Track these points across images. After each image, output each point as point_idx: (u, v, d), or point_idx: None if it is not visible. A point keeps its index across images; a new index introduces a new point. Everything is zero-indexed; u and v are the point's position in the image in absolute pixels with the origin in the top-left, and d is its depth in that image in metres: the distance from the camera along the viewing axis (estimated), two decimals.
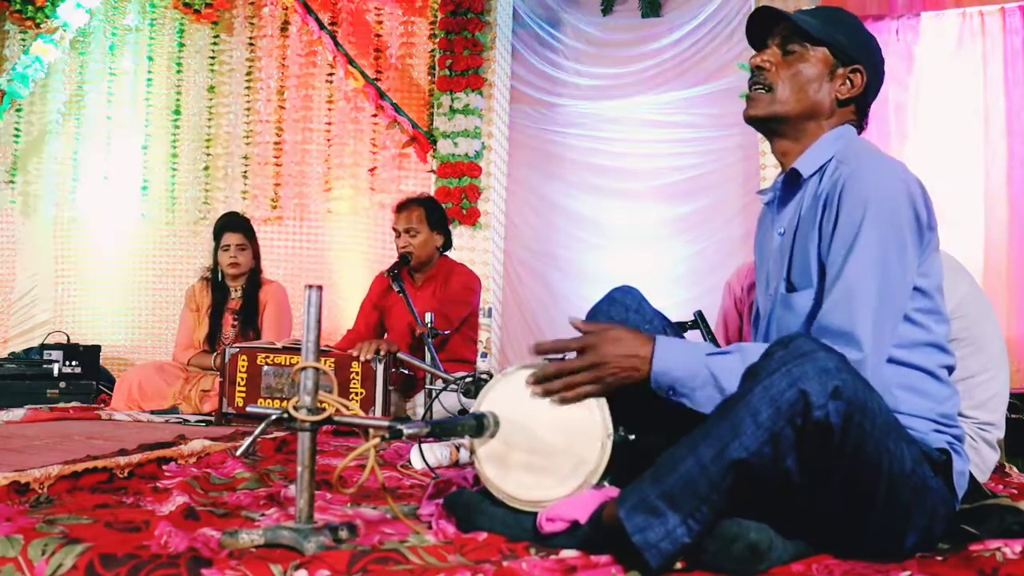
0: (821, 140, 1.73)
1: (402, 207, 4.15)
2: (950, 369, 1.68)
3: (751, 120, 1.79)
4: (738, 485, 1.37)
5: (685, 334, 3.23)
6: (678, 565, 1.39)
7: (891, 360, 1.59)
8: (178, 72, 6.57)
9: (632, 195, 6.26)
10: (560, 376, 1.58)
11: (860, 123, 1.79)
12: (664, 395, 1.56)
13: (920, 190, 1.60)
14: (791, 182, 1.76)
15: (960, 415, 1.70)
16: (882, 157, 1.66)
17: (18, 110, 6.43)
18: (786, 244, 1.73)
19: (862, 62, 1.74)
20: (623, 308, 1.86)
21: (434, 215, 4.15)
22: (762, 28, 1.79)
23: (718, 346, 3.26)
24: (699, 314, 3.36)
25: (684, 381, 1.54)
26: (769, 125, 1.77)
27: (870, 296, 1.54)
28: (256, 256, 4.60)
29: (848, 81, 1.73)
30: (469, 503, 1.64)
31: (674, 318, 2.34)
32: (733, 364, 1.52)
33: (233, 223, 4.59)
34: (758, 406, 1.36)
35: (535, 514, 1.54)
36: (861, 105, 1.77)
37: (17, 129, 6.56)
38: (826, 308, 1.57)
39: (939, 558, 1.48)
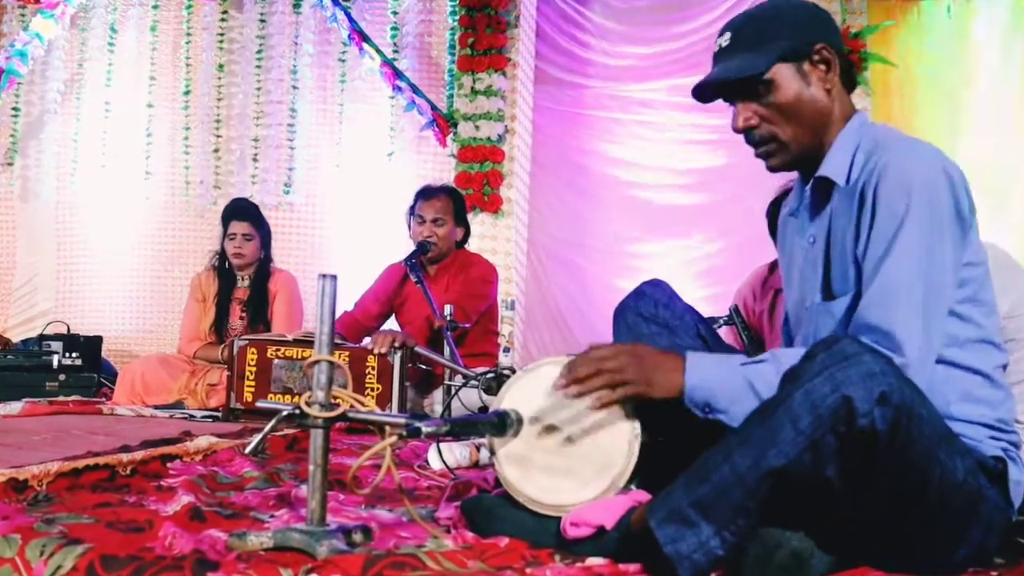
0: (839, 139, 1.68)
1: (428, 194, 4.13)
2: (1004, 367, 1.64)
3: (778, 170, 1.77)
4: (775, 494, 1.36)
5: (719, 330, 3.23)
6: (712, 574, 1.38)
7: (943, 362, 1.55)
8: (185, 50, 6.59)
9: (663, 182, 6.22)
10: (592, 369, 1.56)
11: (852, 84, 1.73)
12: (701, 413, 1.54)
13: (960, 177, 1.56)
14: (821, 189, 1.72)
15: (1016, 420, 1.67)
16: (917, 142, 1.61)
17: (17, 89, 6.46)
18: (818, 253, 1.70)
19: (815, 37, 1.66)
20: (653, 303, 1.85)
21: (459, 207, 4.16)
22: (714, 94, 1.76)
23: (755, 343, 3.26)
24: (735, 309, 3.35)
25: (720, 394, 1.52)
26: (799, 164, 1.75)
27: (915, 295, 1.49)
28: (265, 245, 4.61)
29: (822, 65, 1.67)
30: (489, 507, 1.63)
31: (707, 313, 2.33)
32: (768, 372, 1.50)
33: (240, 211, 4.59)
34: (799, 412, 1.35)
35: (559, 519, 1.53)
36: (843, 67, 1.69)
37: (15, 109, 6.59)
38: (864, 304, 1.53)
39: (993, 573, 1.46)
